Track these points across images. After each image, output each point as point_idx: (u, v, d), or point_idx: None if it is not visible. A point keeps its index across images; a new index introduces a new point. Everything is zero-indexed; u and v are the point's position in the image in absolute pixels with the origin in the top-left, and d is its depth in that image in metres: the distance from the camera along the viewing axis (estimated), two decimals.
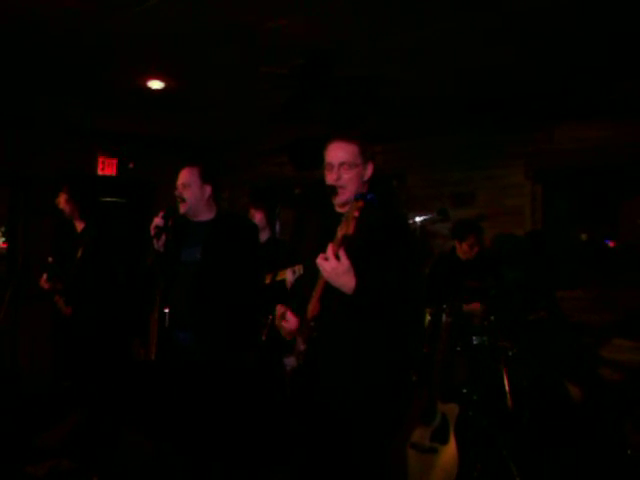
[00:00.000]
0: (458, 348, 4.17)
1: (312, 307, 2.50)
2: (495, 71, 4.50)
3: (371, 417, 2.52)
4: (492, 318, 4.19)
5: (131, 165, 7.16)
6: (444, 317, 3.83)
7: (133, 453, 4.16)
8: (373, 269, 2.36)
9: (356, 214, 2.16)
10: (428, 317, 4.41)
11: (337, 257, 2.24)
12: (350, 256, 2.25)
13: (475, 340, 4.18)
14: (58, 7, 3.44)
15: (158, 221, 3.27)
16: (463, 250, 4.97)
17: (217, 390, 3.20)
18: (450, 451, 3.51)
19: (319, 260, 2.28)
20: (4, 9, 3.48)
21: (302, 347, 2.55)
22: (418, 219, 5.17)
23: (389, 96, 5.04)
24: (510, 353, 4.06)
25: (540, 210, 5.71)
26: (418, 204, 6.13)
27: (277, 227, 6.86)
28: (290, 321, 2.62)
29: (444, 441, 3.55)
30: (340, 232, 2.23)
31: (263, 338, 3.00)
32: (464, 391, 4.04)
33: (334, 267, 2.26)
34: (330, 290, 2.37)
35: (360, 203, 2.17)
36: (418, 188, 6.34)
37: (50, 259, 4.47)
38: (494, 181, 5.88)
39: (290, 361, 2.56)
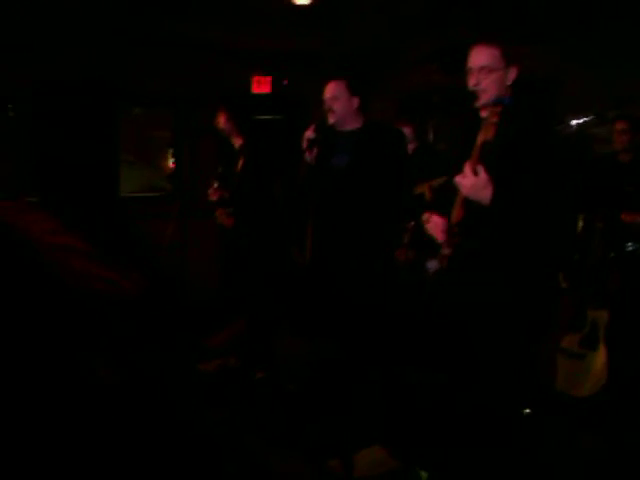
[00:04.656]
0: (612, 254, 4.07)
1: (456, 213, 2.55)
2: None
3: (515, 323, 2.55)
4: None
5: (285, 82, 7.34)
6: (597, 223, 3.75)
7: (293, 353, 4.52)
8: (513, 178, 2.34)
9: (494, 119, 2.16)
10: (581, 223, 4.29)
11: (475, 172, 2.26)
12: (489, 164, 2.25)
13: (630, 247, 4.04)
14: None
15: (309, 134, 3.42)
16: (615, 140, 4.67)
17: (360, 292, 3.39)
18: (599, 357, 3.52)
19: (457, 179, 2.31)
20: None
21: (446, 251, 2.63)
22: (574, 122, 4.96)
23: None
24: None
25: None
26: (576, 106, 5.83)
27: (430, 137, 6.84)
28: (435, 224, 2.67)
29: (593, 347, 3.55)
30: (479, 139, 2.24)
31: (405, 242, 3.10)
32: (616, 299, 3.96)
33: (472, 184, 2.28)
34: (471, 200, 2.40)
35: (498, 107, 2.17)
36: (576, 89, 6.00)
37: (220, 169, 4.80)
38: None
39: (433, 264, 2.65)
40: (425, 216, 2.75)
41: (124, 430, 1.53)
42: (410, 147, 4.74)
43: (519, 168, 2.38)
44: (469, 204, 2.45)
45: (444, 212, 2.65)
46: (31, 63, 5.94)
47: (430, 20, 5.10)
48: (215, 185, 4.70)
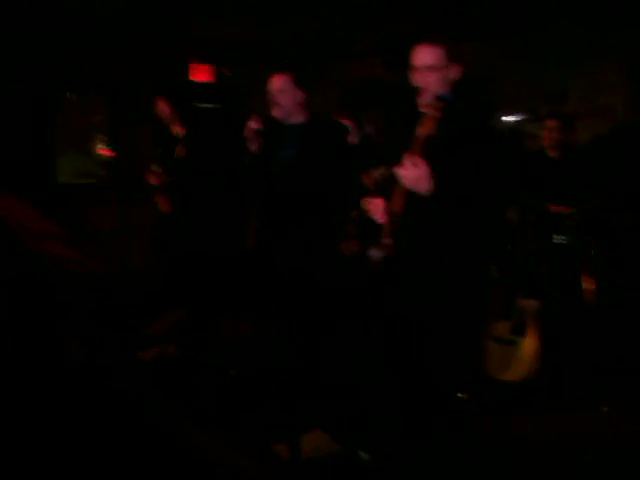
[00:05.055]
0: (540, 246, 4.27)
1: (396, 202, 2.66)
2: None
3: (450, 309, 2.66)
4: (576, 217, 4.22)
5: (227, 71, 7.32)
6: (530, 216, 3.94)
7: (234, 337, 4.56)
8: (450, 171, 2.43)
9: (436, 114, 2.27)
10: (514, 215, 4.47)
11: (415, 164, 2.36)
12: (429, 157, 2.36)
13: (557, 239, 4.26)
14: None
15: (253, 124, 3.47)
16: (544, 137, 4.85)
17: (306, 274, 3.48)
18: (528, 344, 3.71)
19: (398, 170, 2.41)
20: None
21: (388, 240, 2.73)
22: (508, 119, 5.15)
23: None
24: (592, 252, 4.13)
25: (632, 109, 5.51)
26: (510, 103, 6.06)
27: (370, 128, 6.94)
28: (375, 206, 2.74)
29: (522, 334, 3.73)
30: (419, 132, 2.35)
31: (351, 233, 3.21)
32: (544, 288, 4.17)
33: (413, 175, 2.38)
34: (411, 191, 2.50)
35: (440, 103, 2.27)
36: (510, 87, 6.22)
37: (159, 151, 4.76)
38: (587, 79, 5.70)
39: (375, 253, 2.74)
40: (366, 200, 2.84)
41: (86, 406, 1.56)
42: (352, 139, 4.84)
43: (458, 162, 2.49)
44: (409, 195, 2.55)
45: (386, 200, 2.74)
46: None
47: (374, 14, 5.18)
48: (154, 168, 4.66)
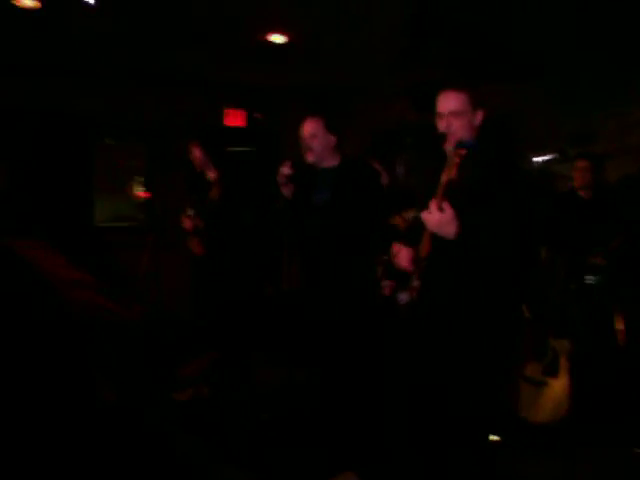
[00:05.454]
0: (572, 287, 4.25)
1: (424, 246, 2.70)
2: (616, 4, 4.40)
3: (483, 351, 2.65)
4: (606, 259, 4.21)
5: (259, 116, 7.49)
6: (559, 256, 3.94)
7: (265, 382, 4.60)
8: (476, 216, 2.45)
9: (457, 160, 2.32)
10: (544, 255, 4.47)
11: (441, 209, 2.40)
12: (454, 202, 2.39)
13: (589, 279, 4.24)
14: None
15: (285, 170, 3.52)
16: (575, 177, 4.84)
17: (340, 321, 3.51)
18: (561, 385, 3.67)
19: (423, 214, 2.45)
20: None
21: (416, 283, 2.76)
22: (537, 159, 5.17)
23: (506, 39, 5.04)
24: (626, 293, 4.10)
25: None
26: (539, 144, 6.08)
27: (400, 170, 7.00)
28: (403, 257, 2.79)
29: (555, 375, 3.71)
30: (444, 178, 2.40)
31: (379, 275, 3.24)
32: (577, 329, 4.14)
33: (438, 219, 2.40)
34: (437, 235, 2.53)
35: (462, 150, 2.33)
36: (538, 128, 6.26)
37: (194, 196, 4.82)
38: (616, 119, 5.72)
39: (403, 296, 2.78)
40: (394, 247, 2.88)
41: (116, 448, 1.62)
42: (384, 182, 4.89)
43: (483, 205, 2.51)
44: (436, 239, 2.59)
45: (415, 244, 2.79)
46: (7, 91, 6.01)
47: (402, 58, 5.31)
48: (189, 212, 4.75)
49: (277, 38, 5.14)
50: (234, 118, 7.44)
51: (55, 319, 1.48)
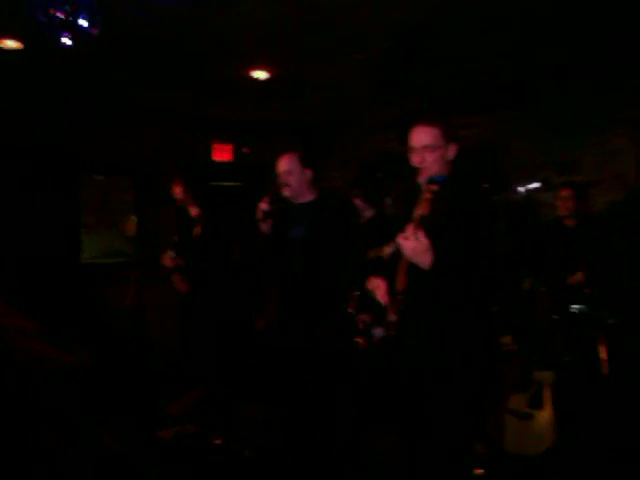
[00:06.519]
0: (555, 317, 4.24)
1: (400, 280, 2.69)
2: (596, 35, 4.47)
3: (460, 383, 2.64)
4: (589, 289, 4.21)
5: (246, 150, 7.53)
6: (541, 286, 3.94)
7: (251, 419, 4.55)
8: (449, 246, 2.46)
9: (428, 195, 2.33)
10: (528, 285, 4.47)
11: (416, 236, 2.39)
12: (428, 234, 2.40)
13: (573, 309, 4.23)
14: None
15: (263, 206, 3.53)
16: (559, 206, 4.87)
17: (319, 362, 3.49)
18: (545, 416, 3.64)
19: (399, 239, 2.44)
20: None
21: (393, 318, 2.74)
22: (522, 188, 5.20)
23: (487, 68, 5.10)
24: (610, 322, 4.09)
25: None
26: (523, 173, 6.12)
27: (389, 201, 7.00)
28: (379, 293, 2.78)
29: (539, 407, 3.68)
30: (417, 212, 2.41)
31: (350, 310, 3.22)
32: (562, 360, 4.13)
33: (413, 246, 2.39)
34: (413, 265, 2.51)
35: (433, 185, 2.34)
36: (522, 157, 6.30)
37: (175, 237, 4.81)
38: (599, 147, 5.77)
39: (378, 331, 2.76)
40: (371, 281, 2.87)
41: None
42: (368, 214, 4.89)
43: (455, 237, 2.52)
44: (411, 271, 2.59)
45: (393, 277, 2.78)
46: None
47: (381, 91, 5.36)
48: (169, 253, 4.73)
49: (259, 74, 5.19)
50: (222, 153, 7.48)
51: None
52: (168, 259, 4.73)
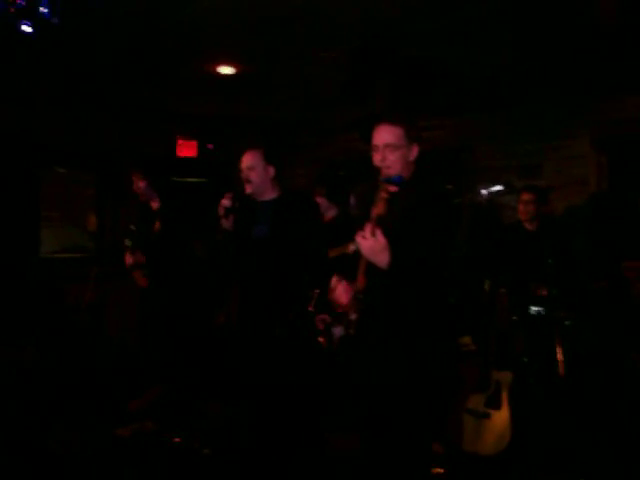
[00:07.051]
0: (515, 318, 4.29)
1: (359, 280, 2.69)
2: (559, 42, 4.52)
3: (418, 383, 2.65)
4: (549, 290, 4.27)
5: (210, 146, 7.46)
6: (501, 288, 3.97)
7: (210, 416, 4.51)
8: (406, 245, 2.48)
9: (384, 195, 2.34)
10: (487, 287, 4.50)
11: (373, 235, 2.40)
12: (386, 233, 2.41)
13: (532, 310, 4.28)
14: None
15: (225, 202, 3.50)
16: (520, 210, 4.93)
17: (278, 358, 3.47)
18: (503, 416, 3.68)
19: (357, 238, 2.45)
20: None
21: (353, 317, 2.74)
22: (484, 191, 5.25)
23: (453, 72, 5.13)
24: (567, 323, 4.15)
25: (606, 181, 5.67)
26: (486, 176, 6.18)
27: (353, 201, 7.01)
28: (340, 293, 2.78)
29: (497, 407, 3.71)
30: (374, 212, 2.41)
31: (310, 309, 3.21)
32: (521, 360, 4.18)
33: (370, 245, 2.41)
34: (372, 265, 2.52)
35: (389, 186, 2.35)
36: (486, 160, 6.37)
37: (132, 226, 4.77)
38: (560, 152, 5.86)
39: (338, 330, 2.76)
40: (332, 281, 2.86)
41: None
42: (331, 213, 4.88)
43: (414, 237, 2.53)
44: (370, 271, 2.59)
45: (353, 277, 2.77)
46: None
47: (347, 91, 5.37)
48: (127, 243, 4.66)
49: (225, 69, 5.14)
50: (186, 149, 7.41)
51: None
52: (128, 255, 4.67)
